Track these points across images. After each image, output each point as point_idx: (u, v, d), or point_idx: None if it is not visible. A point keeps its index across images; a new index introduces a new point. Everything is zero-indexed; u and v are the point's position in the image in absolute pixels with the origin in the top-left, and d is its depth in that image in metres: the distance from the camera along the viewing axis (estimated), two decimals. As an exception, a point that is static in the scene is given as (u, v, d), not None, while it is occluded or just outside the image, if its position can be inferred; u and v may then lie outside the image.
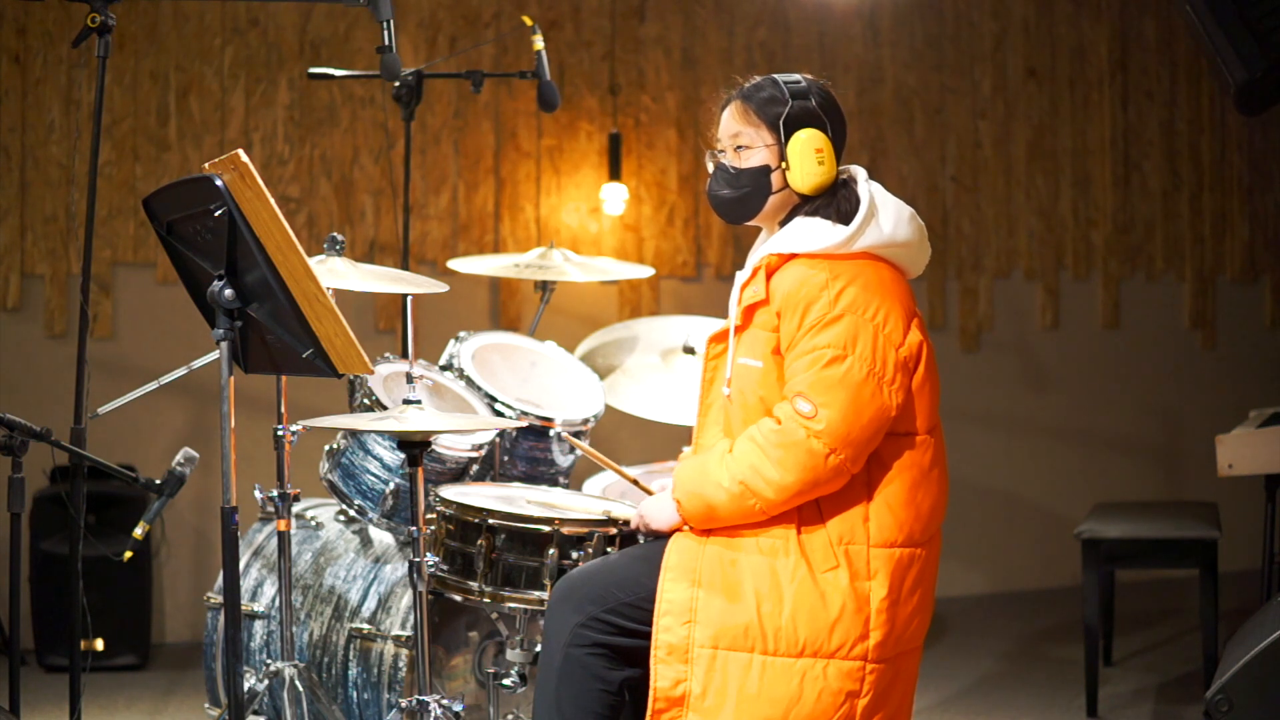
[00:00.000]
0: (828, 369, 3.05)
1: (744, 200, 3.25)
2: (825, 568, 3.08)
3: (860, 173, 3.26)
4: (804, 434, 3.03)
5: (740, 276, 3.30)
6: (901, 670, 3.17)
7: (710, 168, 3.30)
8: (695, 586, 3.09)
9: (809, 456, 3.04)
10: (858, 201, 3.18)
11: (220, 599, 4.09)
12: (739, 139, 3.24)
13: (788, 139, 3.19)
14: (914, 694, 3.27)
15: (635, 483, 3.53)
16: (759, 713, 3.05)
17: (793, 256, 3.16)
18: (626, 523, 3.62)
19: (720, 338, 3.26)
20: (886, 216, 3.18)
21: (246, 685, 3.77)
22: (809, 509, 3.11)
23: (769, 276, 3.16)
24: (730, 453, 3.11)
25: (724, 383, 3.20)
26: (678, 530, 3.20)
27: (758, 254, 3.25)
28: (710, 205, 3.33)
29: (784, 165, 3.21)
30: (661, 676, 3.08)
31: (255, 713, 3.84)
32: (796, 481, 3.05)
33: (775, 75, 3.28)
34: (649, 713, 3.09)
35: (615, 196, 6.39)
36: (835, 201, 3.19)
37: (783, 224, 3.25)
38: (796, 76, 3.26)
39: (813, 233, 3.15)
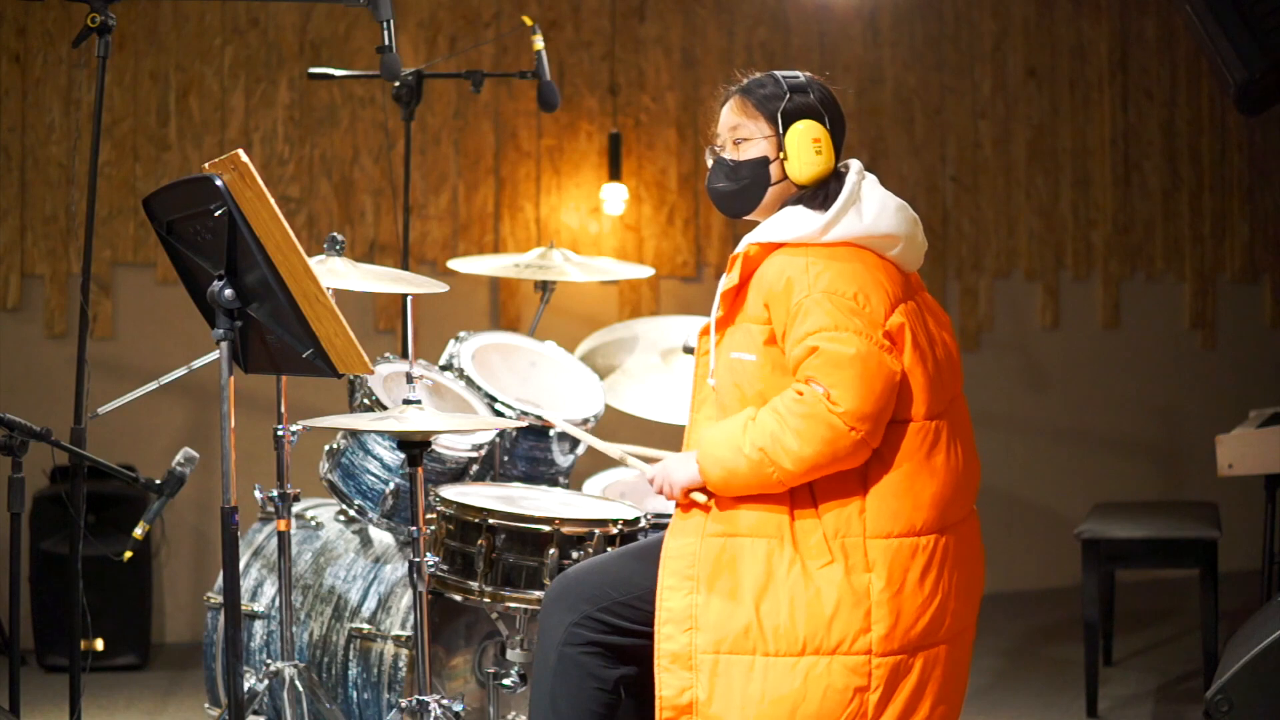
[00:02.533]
0: (828, 350, 3.04)
1: (742, 193, 3.27)
2: (820, 563, 3.06)
3: (854, 165, 3.27)
4: (825, 409, 3.03)
5: None
6: (929, 661, 3.11)
7: (710, 163, 3.32)
8: (693, 593, 3.09)
9: (830, 431, 3.03)
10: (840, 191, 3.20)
11: (220, 599, 4.09)
12: (738, 132, 3.27)
13: (786, 130, 3.21)
14: (962, 686, 3.22)
15: (637, 457, 3.49)
16: (765, 714, 3.03)
17: (776, 246, 3.17)
18: (637, 522, 3.62)
19: (708, 331, 3.26)
20: (869, 208, 3.18)
21: (246, 685, 3.77)
22: (804, 503, 3.10)
23: (753, 266, 3.17)
24: (754, 420, 3.10)
25: (709, 374, 3.20)
26: (694, 488, 3.17)
27: (740, 244, 3.25)
28: (710, 200, 3.35)
29: (782, 156, 3.22)
30: (667, 685, 3.07)
31: (255, 713, 3.83)
32: (815, 454, 3.04)
33: (774, 71, 3.31)
34: (657, 721, 3.09)
35: (615, 196, 6.39)
36: (824, 193, 3.21)
37: None
38: (795, 72, 3.29)
39: (791, 222, 3.17)
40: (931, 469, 3.14)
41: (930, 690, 3.12)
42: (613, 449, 3.43)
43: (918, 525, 3.11)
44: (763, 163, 3.24)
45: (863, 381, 3.04)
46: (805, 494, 3.11)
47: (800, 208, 3.19)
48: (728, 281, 3.19)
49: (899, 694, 3.08)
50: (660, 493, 3.25)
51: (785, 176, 3.24)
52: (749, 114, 3.25)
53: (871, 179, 3.25)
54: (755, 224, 3.34)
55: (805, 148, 3.19)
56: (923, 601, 3.10)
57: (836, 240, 3.15)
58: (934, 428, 3.15)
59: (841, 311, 3.06)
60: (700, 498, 3.17)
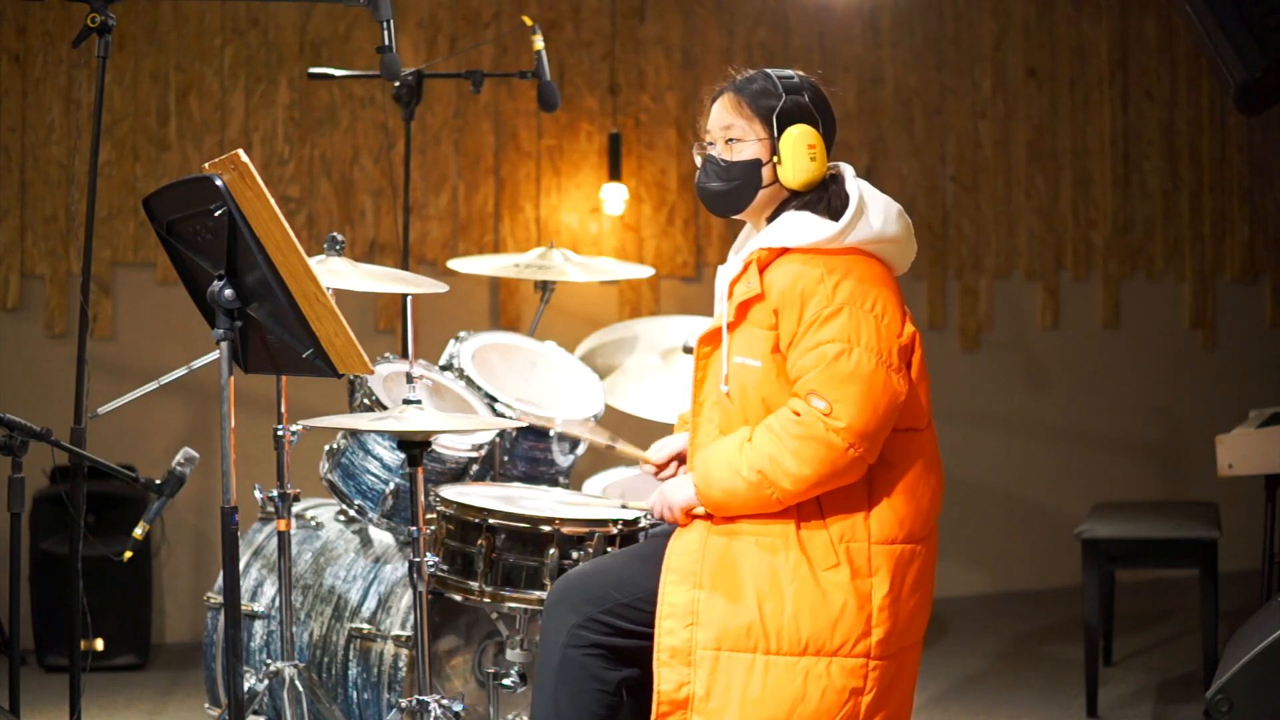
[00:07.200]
0: (836, 363, 3.04)
1: (734, 193, 3.24)
2: (826, 566, 3.08)
3: (848, 169, 3.26)
4: (823, 428, 3.03)
5: (724, 271, 3.29)
6: (904, 665, 3.17)
7: (698, 160, 3.30)
8: (696, 589, 3.09)
9: (828, 450, 3.04)
10: (846, 198, 3.19)
11: (220, 599, 4.09)
12: (730, 131, 3.23)
13: (780, 133, 3.19)
14: (915, 688, 3.28)
15: (638, 459, 3.54)
16: (763, 713, 3.04)
17: (784, 252, 3.16)
18: (637, 522, 3.62)
19: (711, 338, 3.24)
20: (875, 213, 3.18)
21: (246, 685, 3.77)
22: (809, 507, 3.11)
23: (760, 271, 3.16)
24: (750, 441, 3.10)
25: (720, 380, 3.18)
26: (693, 509, 3.18)
27: (746, 249, 3.24)
28: (699, 197, 3.33)
29: (775, 159, 3.20)
30: (665, 680, 3.08)
31: (255, 713, 3.84)
32: (814, 474, 3.04)
33: (768, 69, 3.27)
34: (653, 716, 3.09)
35: (615, 196, 6.39)
36: (825, 197, 3.20)
37: (770, 219, 3.24)
38: (789, 71, 3.27)
39: (804, 227, 3.15)
40: (929, 477, 3.19)
41: (907, 692, 3.19)
42: (602, 437, 3.46)
43: (917, 532, 3.15)
44: (755, 165, 3.22)
45: (867, 399, 3.05)
46: (811, 498, 3.11)
47: (807, 213, 3.17)
48: (746, 290, 3.15)
49: (889, 697, 3.12)
50: (661, 517, 3.25)
51: (776, 180, 3.23)
52: (742, 113, 3.22)
53: (865, 183, 3.25)
54: (743, 223, 3.35)
55: (800, 153, 3.18)
56: (914, 607, 3.15)
57: (851, 246, 3.15)
58: (931, 436, 3.20)
59: (858, 325, 3.06)
60: (700, 511, 3.18)
